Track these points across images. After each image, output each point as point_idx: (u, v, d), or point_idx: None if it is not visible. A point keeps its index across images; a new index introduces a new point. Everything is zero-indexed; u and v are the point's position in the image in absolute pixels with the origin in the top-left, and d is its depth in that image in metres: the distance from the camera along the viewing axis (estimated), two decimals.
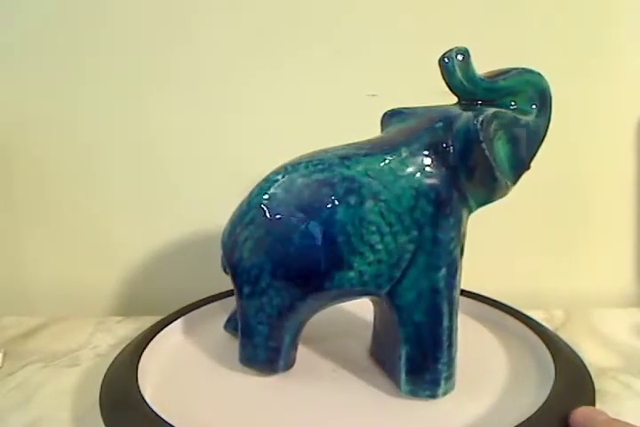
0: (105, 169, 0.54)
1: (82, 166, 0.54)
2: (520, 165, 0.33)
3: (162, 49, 0.51)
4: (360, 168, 0.30)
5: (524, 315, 0.42)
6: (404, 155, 0.31)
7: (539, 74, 0.33)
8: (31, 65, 0.51)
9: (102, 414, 0.30)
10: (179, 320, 0.42)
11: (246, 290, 0.33)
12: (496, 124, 0.30)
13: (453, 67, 0.31)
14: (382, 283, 0.31)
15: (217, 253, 0.54)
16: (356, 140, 0.33)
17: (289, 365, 0.35)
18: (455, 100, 0.34)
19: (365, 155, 0.31)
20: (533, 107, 0.33)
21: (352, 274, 0.30)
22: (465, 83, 0.31)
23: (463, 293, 0.45)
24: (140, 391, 0.31)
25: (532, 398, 0.32)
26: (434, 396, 0.32)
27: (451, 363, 0.32)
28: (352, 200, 0.30)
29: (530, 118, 0.32)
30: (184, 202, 0.55)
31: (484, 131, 0.29)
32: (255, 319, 0.33)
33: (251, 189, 0.34)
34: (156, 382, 0.35)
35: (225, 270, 0.35)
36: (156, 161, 0.54)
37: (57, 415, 0.34)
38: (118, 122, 0.53)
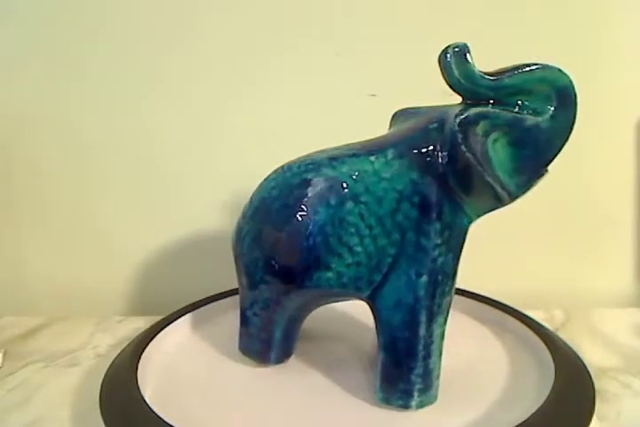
0: (105, 169, 0.54)
1: (82, 166, 0.54)
2: (528, 170, 0.30)
3: (161, 49, 0.51)
4: (344, 169, 0.30)
5: (524, 315, 0.42)
6: (389, 156, 0.30)
7: (558, 70, 0.30)
8: (31, 65, 0.51)
9: (102, 415, 0.30)
10: (179, 320, 0.42)
11: (244, 282, 0.34)
12: (486, 125, 0.29)
13: (450, 64, 0.29)
14: (362, 286, 0.31)
15: (217, 254, 0.54)
16: (355, 141, 0.33)
17: (280, 358, 0.36)
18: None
19: (352, 155, 0.31)
20: (549, 106, 0.30)
21: (330, 275, 0.30)
22: (462, 80, 0.29)
23: (463, 293, 0.46)
24: (139, 391, 0.31)
25: (532, 398, 0.32)
26: (406, 407, 0.31)
27: (427, 375, 0.31)
28: (332, 201, 0.30)
29: (541, 119, 0.30)
30: (184, 202, 0.55)
31: (463, 132, 0.28)
32: (251, 311, 0.35)
33: (250, 189, 0.34)
34: (156, 382, 0.35)
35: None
36: (156, 161, 0.54)
37: (57, 415, 0.34)
38: (118, 122, 0.53)
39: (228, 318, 0.44)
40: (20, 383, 0.39)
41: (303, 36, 0.51)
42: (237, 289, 0.46)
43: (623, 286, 0.57)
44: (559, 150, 0.31)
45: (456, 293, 0.44)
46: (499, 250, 0.54)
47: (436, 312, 0.30)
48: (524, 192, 0.31)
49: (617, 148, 0.54)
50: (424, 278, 0.30)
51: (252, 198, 0.34)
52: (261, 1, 0.50)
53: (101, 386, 0.33)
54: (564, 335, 0.40)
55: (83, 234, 0.56)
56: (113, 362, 0.36)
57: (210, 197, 0.54)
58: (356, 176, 0.30)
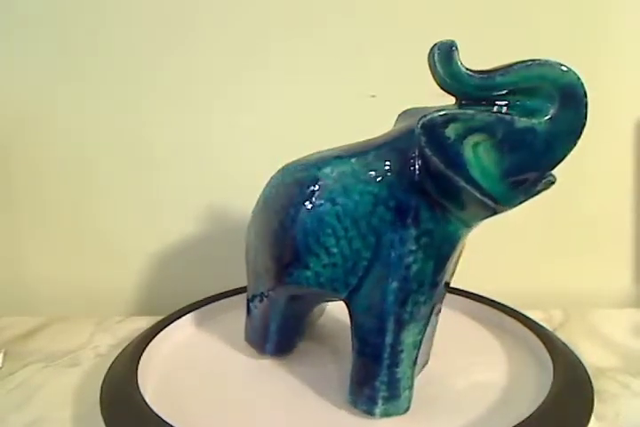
0: (105, 169, 0.54)
1: (82, 166, 0.54)
2: (521, 176, 0.28)
3: (162, 50, 0.51)
4: (327, 170, 0.30)
5: (523, 315, 0.42)
6: (370, 158, 0.30)
7: (561, 67, 0.27)
8: (30, 66, 0.51)
9: (102, 414, 0.30)
10: (179, 320, 0.42)
11: (249, 274, 0.37)
12: (459, 128, 0.27)
13: (434, 62, 0.28)
14: (338, 287, 0.31)
15: (216, 254, 0.54)
16: (355, 142, 0.33)
17: (276, 351, 0.37)
18: None
19: (336, 157, 0.31)
20: (550, 106, 0.27)
21: (309, 273, 0.31)
22: (448, 80, 0.28)
23: (462, 293, 0.46)
24: (140, 391, 0.32)
25: (531, 398, 0.32)
26: (370, 413, 0.31)
27: (393, 384, 0.30)
28: (313, 201, 0.30)
29: (537, 121, 0.27)
30: (184, 202, 0.55)
31: (427, 135, 0.27)
32: (252, 303, 0.37)
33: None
34: (156, 382, 0.35)
35: None
36: (157, 161, 0.54)
37: (57, 415, 0.35)
38: (117, 122, 0.53)
39: (228, 318, 0.44)
40: (20, 383, 0.39)
41: (303, 36, 0.51)
42: (237, 289, 0.47)
43: (622, 286, 0.57)
44: (562, 155, 0.28)
45: (455, 293, 0.45)
46: (498, 250, 0.54)
47: (407, 321, 0.29)
48: (520, 199, 0.29)
49: (617, 148, 0.54)
50: (394, 285, 0.29)
51: (259, 196, 0.35)
52: (261, 1, 0.50)
53: (101, 386, 0.33)
54: (562, 335, 0.40)
55: (83, 234, 0.56)
56: (113, 362, 0.36)
57: (210, 198, 0.54)
58: (337, 177, 0.30)
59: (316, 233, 0.30)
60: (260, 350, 0.38)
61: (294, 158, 0.34)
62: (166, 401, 0.32)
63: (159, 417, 0.29)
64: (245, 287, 0.46)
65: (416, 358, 0.31)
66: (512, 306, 0.44)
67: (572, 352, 0.37)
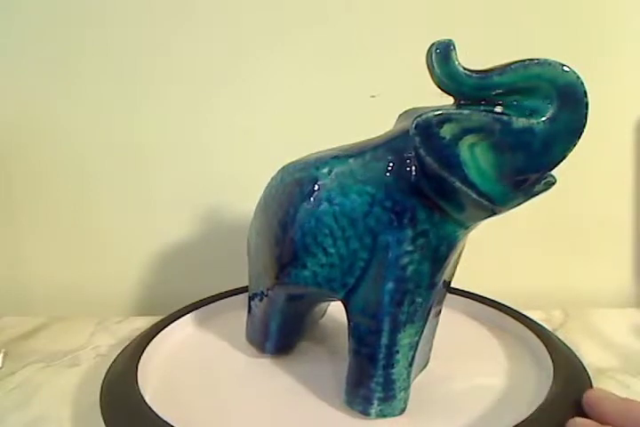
0: (104, 169, 0.54)
1: (81, 167, 0.54)
2: (519, 177, 0.27)
3: (158, 50, 0.51)
4: (325, 170, 0.30)
5: (523, 315, 0.42)
6: (367, 159, 0.30)
7: (560, 66, 0.26)
8: (28, 66, 0.51)
9: (102, 415, 0.30)
10: (179, 320, 0.42)
11: (251, 273, 0.37)
12: (454, 128, 0.26)
13: (432, 62, 0.27)
14: (336, 287, 0.31)
15: (216, 254, 0.54)
16: (355, 142, 0.33)
17: (275, 350, 0.38)
18: None
19: (334, 157, 0.31)
20: (549, 106, 0.27)
21: (307, 273, 0.31)
22: (446, 80, 0.27)
23: (462, 293, 0.46)
24: (140, 391, 0.31)
25: (531, 398, 0.32)
26: (366, 413, 0.31)
27: (388, 385, 0.30)
28: (311, 201, 0.30)
29: (536, 121, 0.26)
30: (183, 202, 0.55)
31: (421, 135, 0.26)
32: (253, 302, 0.37)
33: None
34: (156, 382, 0.35)
35: None
36: (155, 161, 0.54)
37: (57, 415, 0.35)
38: (116, 123, 0.53)
39: (228, 318, 0.44)
40: (20, 383, 0.39)
41: (303, 36, 0.51)
42: (237, 290, 0.47)
43: (622, 286, 0.57)
44: (562, 156, 0.27)
45: (455, 293, 0.45)
46: (498, 250, 0.54)
47: (403, 322, 0.29)
48: (519, 200, 0.28)
49: (617, 148, 0.54)
50: (390, 285, 0.29)
51: (261, 195, 0.36)
52: (261, 2, 0.50)
53: (101, 386, 0.33)
54: (562, 336, 0.40)
55: (82, 234, 0.56)
56: (113, 362, 0.36)
57: (209, 198, 0.54)
58: (334, 178, 0.30)
59: (313, 233, 0.30)
60: (260, 348, 0.38)
61: (294, 159, 0.34)
62: (166, 401, 0.32)
63: (159, 417, 0.29)
64: (245, 287, 0.46)
65: (412, 359, 0.31)
66: (512, 306, 0.44)
67: (571, 352, 0.37)
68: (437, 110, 0.26)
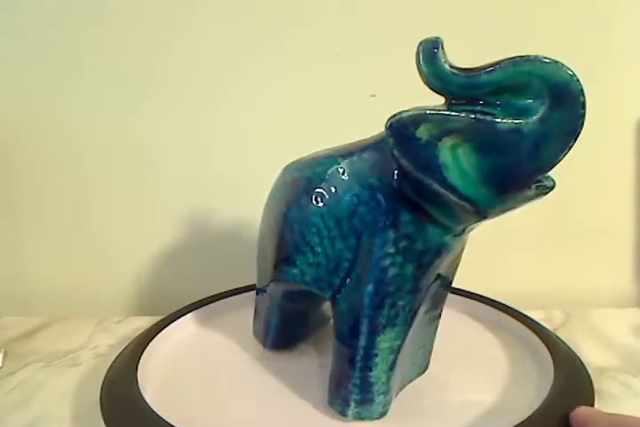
0: (104, 169, 0.54)
1: (81, 166, 0.54)
2: (507, 180, 0.26)
3: (158, 51, 0.51)
4: (318, 170, 0.31)
5: (524, 315, 0.42)
6: (355, 159, 0.30)
7: (551, 62, 0.25)
8: (29, 66, 0.51)
9: (102, 414, 0.30)
10: (179, 320, 0.42)
11: (258, 269, 0.38)
12: (431, 129, 0.25)
13: (419, 61, 0.27)
14: (323, 287, 0.31)
15: (216, 255, 0.54)
16: (355, 142, 0.33)
17: (273, 345, 0.39)
18: None
19: (327, 157, 0.31)
20: (542, 104, 0.25)
21: (295, 271, 0.31)
22: (432, 79, 0.26)
23: (463, 293, 0.46)
24: (140, 391, 0.32)
25: (531, 398, 0.32)
26: (343, 414, 0.31)
27: (365, 388, 0.30)
28: (303, 200, 0.31)
29: (524, 121, 0.25)
30: (183, 202, 0.55)
31: (394, 136, 0.26)
32: (258, 297, 0.38)
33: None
34: (156, 381, 0.35)
35: None
36: (156, 161, 0.54)
37: (57, 415, 0.35)
38: (116, 122, 0.53)
39: (228, 317, 0.44)
40: (20, 383, 0.39)
41: (303, 36, 0.51)
42: (237, 289, 0.47)
43: (622, 286, 0.57)
44: (555, 159, 0.25)
45: (456, 293, 0.45)
46: (498, 250, 0.54)
47: (383, 325, 0.29)
48: (508, 205, 0.27)
49: (617, 148, 0.54)
50: (370, 287, 0.28)
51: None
52: (261, 1, 0.50)
53: (101, 386, 0.33)
54: (563, 335, 0.40)
55: (82, 234, 0.56)
56: (113, 362, 0.36)
57: (209, 198, 0.54)
58: (324, 177, 0.30)
59: (302, 232, 0.31)
60: (262, 343, 0.39)
61: (293, 159, 0.34)
62: (166, 401, 0.32)
63: (159, 417, 0.29)
64: (244, 287, 0.47)
65: (393, 363, 0.30)
66: (513, 306, 0.44)
67: (572, 352, 0.37)
68: (410, 110, 0.26)
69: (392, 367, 0.30)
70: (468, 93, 0.26)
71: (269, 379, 0.36)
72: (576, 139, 0.25)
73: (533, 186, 0.26)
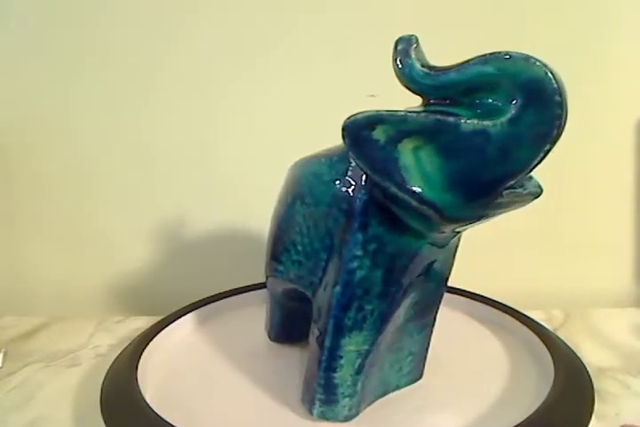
0: (104, 169, 0.54)
1: (81, 166, 0.54)
2: (474, 186, 0.24)
3: (160, 51, 0.51)
4: (306, 170, 0.31)
5: (524, 315, 0.42)
6: (334, 159, 0.29)
7: (524, 59, 0.23)
8: (29, 66, 0.51)
9: (103, 414, 0.30)
10: (179, 320, 0.42)
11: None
12: (388, 130, 0.24)
13: (393, 61, 0.26)
14: (305, 285, 0.31)
15: (217, 254, 0.54)
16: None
17: (275, 339, 0.40)
18: None
19: (313, 157, 0.32)
20: (513, 104, 0.23)
21: (282, 268, 0.33)
22: (404, 78, 0.26)
23: (463, 293, 0.46)
24: (140, 391, 0.32)
25: (531, 397, 0.32)
26: (310, 412, 0.31)
27: (329, 389, 0.30)
28: (290, 199, 0.32)
29: (492, 123, 0.23)
30: (184, 203, 0.55)
31: (349, 137, 0.25)
32: (267, 292, 0.39)
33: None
34: (157, 381, 0.35)
35: None
36: (156, 161, 0.54)
37: (57, 415, 0.35)
38: (117, 122, 0.53)
39: (228, 317, 0.44)
40: (20, 383, 0.39)
41: (303, 35, 0.51)
42: (236, 290, 0.47)
43: (622, 286, 0.57)
44: (528, 164, 0.23)
45: (456, 292, 0.45)
46: (498, 250, 0.54)
47: (349, 327, 0.28)
48: (479, 211, 0.25)
49: (616, 148, 0.54)
50: (338, 288, 0.28)
51: None
52: (261, 1, 0.50)
53: (101, 386, 0.33)
54: (563, 335, 0.40)
55: (82, 234, 0.56)
56: (113, 362, 0.36)
57: (209, 198, 0.54)
58: (308, 177, 0.31)
59: (288, 230, 0.32)
60: (268, 335, 0.41)
61: (295, 159, 0.34)
62: (166, 401, 0.32)
63: (159, 417, 0.29)
64: (244, 287, 0.47)
65: (361, 367, 0.29)
66: (513, 306, 0.44)
67: (572, 352, 0.37)
68: (367, 111, 0.25)
69: (359, 371, 0.30)
70: (442, 93, 0.25)
71: (269, 379, 0.36)
72: (554, 143, 0.23)
73: (505, 192, 0.24)
